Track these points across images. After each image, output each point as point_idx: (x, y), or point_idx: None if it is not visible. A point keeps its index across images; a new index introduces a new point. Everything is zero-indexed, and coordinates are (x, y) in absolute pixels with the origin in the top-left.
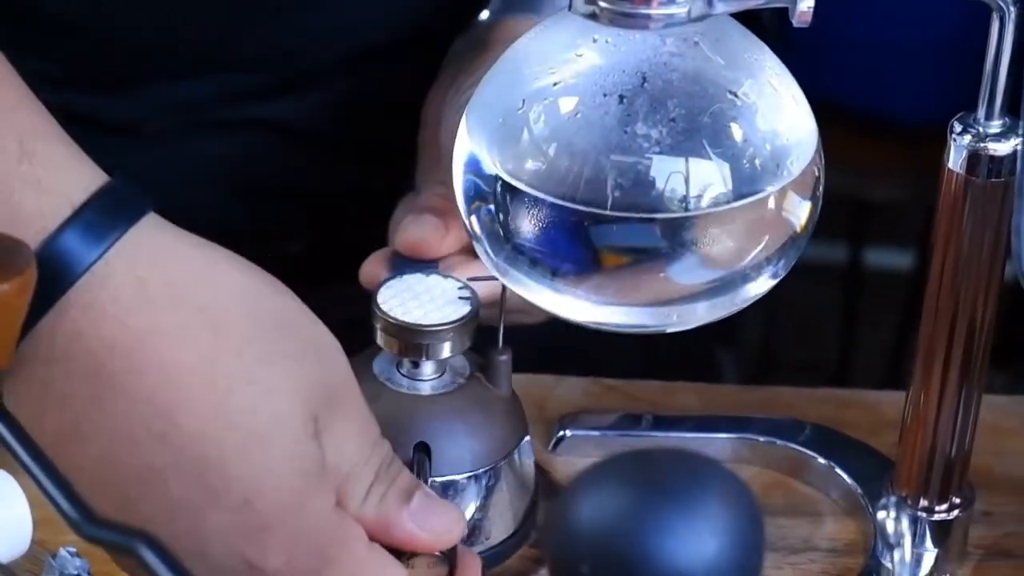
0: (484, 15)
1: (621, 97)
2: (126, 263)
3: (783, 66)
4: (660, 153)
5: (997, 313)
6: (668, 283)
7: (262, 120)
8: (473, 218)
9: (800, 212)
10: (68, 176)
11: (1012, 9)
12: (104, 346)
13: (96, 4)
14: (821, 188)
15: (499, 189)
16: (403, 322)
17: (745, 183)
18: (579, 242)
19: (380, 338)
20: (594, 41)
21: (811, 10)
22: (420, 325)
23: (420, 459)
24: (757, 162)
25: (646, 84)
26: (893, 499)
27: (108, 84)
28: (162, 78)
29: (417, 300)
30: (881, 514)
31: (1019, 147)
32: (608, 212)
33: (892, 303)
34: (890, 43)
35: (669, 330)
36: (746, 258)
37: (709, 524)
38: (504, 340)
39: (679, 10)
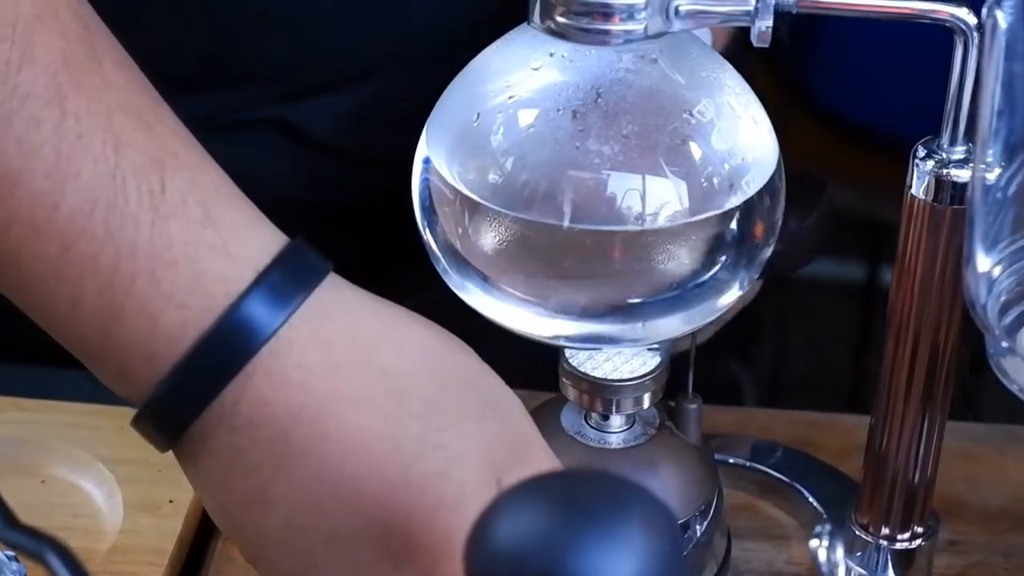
0: None
1: (574, 112)
2: (310, 327)
3: (745, 85)
4: (612, 169)
5: (966, 339)
6: (627, 297)
7: (276, 125)
8: (429, 231)
9: (758, 228)
10: (252, 240)
11: (975, 34)
12: (290, 413)
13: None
14: (781, 204)
15: (455, 202)
16: (592, 377)
17: (700, 200)
18: (534, 256)
19: (570, 393)
20: (551, 56)
21: (769, 30)
22: (610, 380)
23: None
24: (712, 180)
25: (600, 100)
26: (827, 528)
27: None
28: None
29: (605, 353)
30: (814, 543)
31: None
32: (563, 226)
33: None
34: (908, 63)
35: (638, 344)
36: (704, 273)
37: (625, 548)
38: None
39: (636, 26)
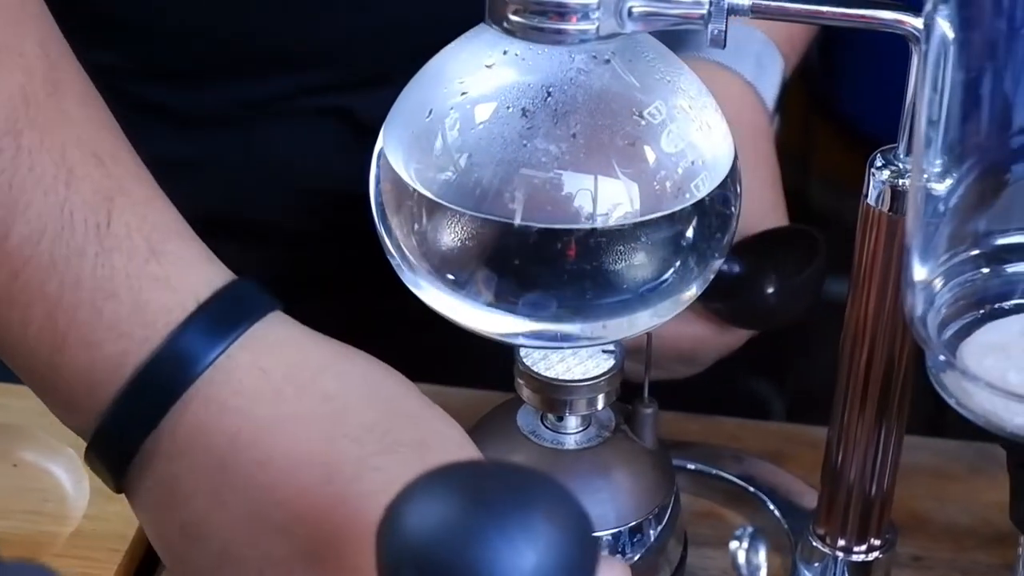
0: None
1: (524, 111)
2: (250, 355)
3: (702, 89)
4: (560, 168)
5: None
6: (582, 296)
7: (329, 112)
8: (383, 227)
9: (713, 230)
10: (195, 275)
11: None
12: (226, 439)
13: (165, 7)
14: (737, 207)
15: (408, 198)
16: (545, 377)
17: (651, 201)
18: (486, 254)
19: (524, 393)
20: (504, 54)
21: (722, 34)
22: (562, 380)
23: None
24: (663, 181)
25: (550, 99)
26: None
27: (177, 79)
28: (229, 74)
29: (559, 354)
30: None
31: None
32: (513, 224)
33: None
34: None
35: (596, 344)
36: (658, 275)
37: (530, 539)
38: (650, 391)
39: (589, 26)
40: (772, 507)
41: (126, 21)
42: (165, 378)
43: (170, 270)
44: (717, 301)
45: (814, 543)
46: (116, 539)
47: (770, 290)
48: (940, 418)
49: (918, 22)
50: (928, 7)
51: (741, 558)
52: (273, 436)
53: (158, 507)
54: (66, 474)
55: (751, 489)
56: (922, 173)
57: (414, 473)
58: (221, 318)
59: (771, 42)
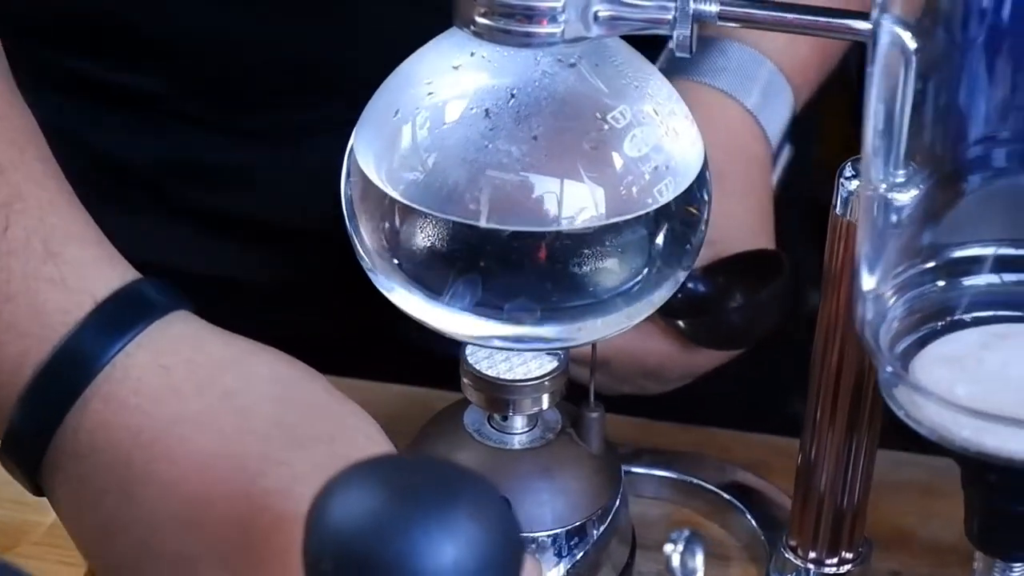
0: None
1: (487, 112)
2: (149, 353)
3: (673, 94)
4: (522, 170)
5: None
6: (550, 299)
7: None
8: (353, 230)
9: (680, 233)
10: (93, 275)
11: (915, 57)
12: (130, 436)
13: (218, 37)
14: (705, 213)
15: (376, 199)
16: (489, 377)
17: (614, 205)
18: (453, 255)
19: (468, 392)
20: (471, 56)
21: (687, 39)
22: (505, 380)
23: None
24: (625, 186)
25: (513, 101)
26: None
27: (234, 105)
28: (280, 99)
29: (504, 354)
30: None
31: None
32: (479, 225)
33: None
34: None
35: (576, 344)
36: (625, 278)
37: (450, 534)
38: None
39: (555, 30)
40: (749, 517)
41: (176, 49)
42: (64, 377)
43: (67, 271)
44: (681, 320)
45: (786, 554)
46: None
47: (731, 309)
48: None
49: (907, 35)
50: (874, 14)
51: (676, 561)
52: (175, 434)
53: (73, 506)
54: None
55: (727, 497)
56: (870, 183)
57: (323, 468)
58: (119, 316)
59: (780, 72)
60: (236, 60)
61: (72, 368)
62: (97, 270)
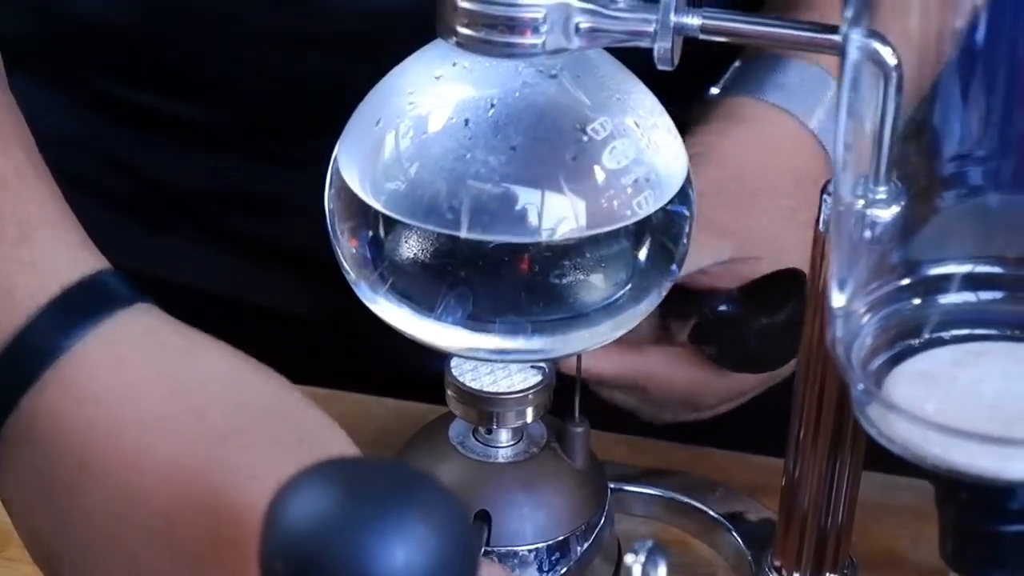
0: (714, 91)
1: (466, 122)
2: (107, 344)
3: (657, 107)
4: (501, 180)
5: None
6: (534, 311)
7: None
8: (335, 240)
9: (657, 247)
10: (64, 261)
11: (895, 73)
12: (84, 427)
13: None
14: (688, 226)
15: (358, 209)
16: (472, 389)
17: (588, 216)
18: (430, 264)
19: (452, 404)
20: (453, 66)
21: (668, 52)
22: (489, 393)
23: (478, 527)
24: (605, 198)
25: (492, 111)
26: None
27: (275, 133)
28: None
29: (489, 367)
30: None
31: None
32: (459, 236)
33: None
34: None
35: (560, 356)
36: (607, 290)
37: (401, 536)
38: (580, 410)
39: (536, 41)
40: (735, 536)
41: (223, 82)
42: (23, 361)
43: (39, 256)
44: (707, 344)
45: (771, 574)
46: None
47: (750, 331)
48: None
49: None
50: (843, 28)
51: (637, 572)
52: (130, 431)
53: (23, 497)
54: None
55: (715, 516)
56: (840, 199)
57: (281, 466)
58: (82, 304)
59: None
60: (279, 93)
61: (32, 353)
62: (68, 257)
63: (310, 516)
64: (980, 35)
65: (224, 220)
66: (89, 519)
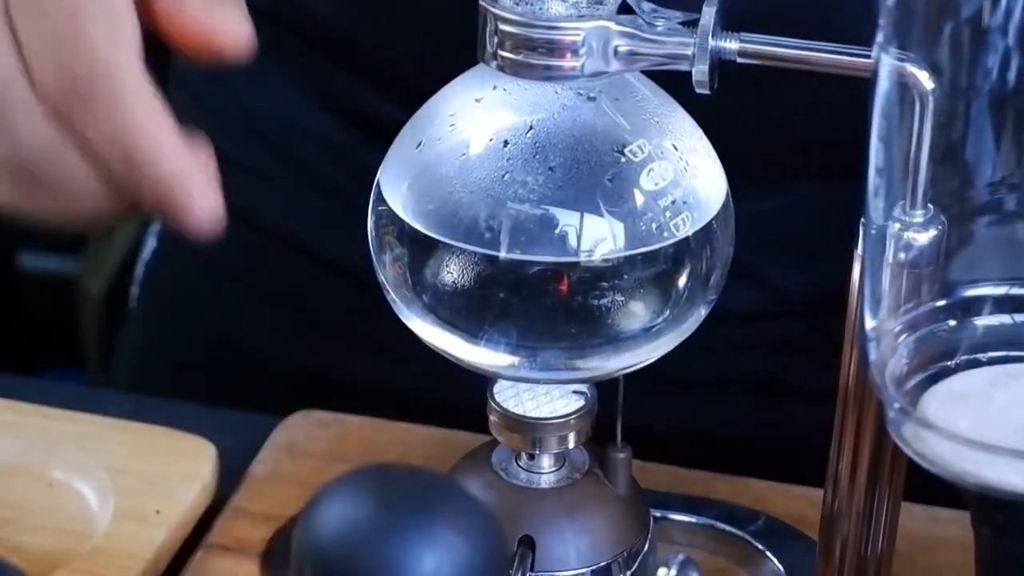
0: None
1: (505, 143)
2: None
3: (695, 131)
4: (537, 201)
5: None
6: (572, 333)
7: None
8: (378, 261)
9: (699, 269)
10: None
11: (931, 98)
12: None
13: None
14: (724, 251)
15: (399, 230)
16: (515, 414)
17: (626, 238)
18: (470, 285)
19: (494, 429)
20: (493, 89)
21: (707, 76)
22: (531, 418)
23: (523, 552)
24: (642, 219)
25: (531, 133)
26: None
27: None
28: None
29: (532, 392)
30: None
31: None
32: (497, 256)
33: None
34: None
35: (600, 377)
36: (645, 313)
37: (429, 544)
38: (622, 437)
39: (575, 63)
40: (779, 565)
41: None
42: None
43: None
44: None
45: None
46: (129, 558)
47: None
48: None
49: (919, 73)
50: (875, 51)
51: None
52: None
53: None
54: (94, 495)
55: (758, 546)
56: (872, 222)
57: None
58: None
59: None
60: None
61: None
62: None
63: (339, 524)
64: (1012, 72)
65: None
66: None
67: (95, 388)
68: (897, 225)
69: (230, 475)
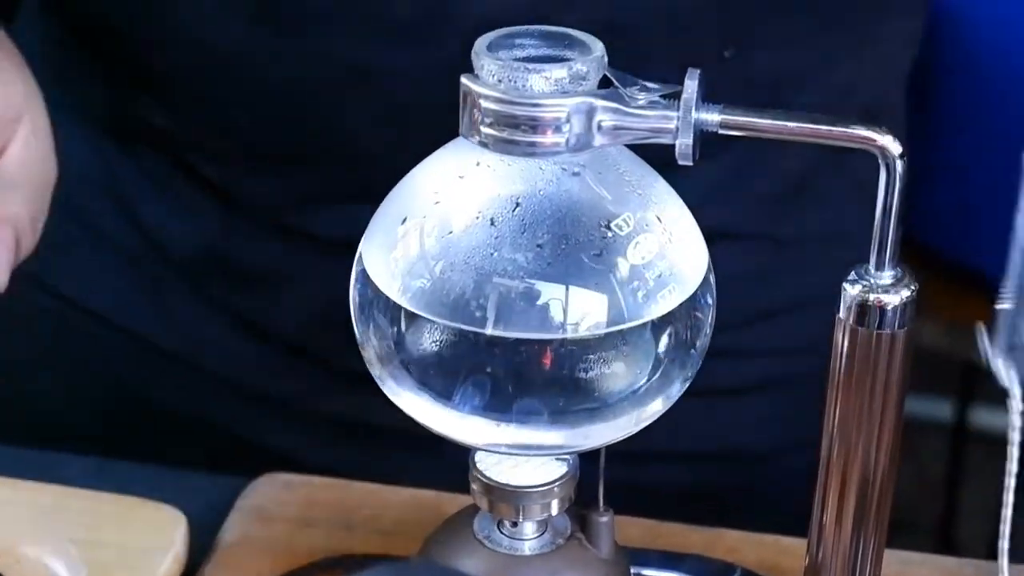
0: None
1: (492, 220)
2: None
3: (677, 202)
4: (527, 277)
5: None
6: (558, 405)
7: None
8: (361, 336)
9: (682, 340)
10: None
11: (899, 162)
12: None
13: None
14: (709, 318)
15: (383, 306)
16: (497, 482)
17: (612, 312)
18: (456, 361)
19: (476, 497)
20: (477, 165)
21: (690, 148)
22: (514, 486)
23: None
24: (631, 292)
25: (517, 210)
26: None
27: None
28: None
29: (513, 460)
30: None
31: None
32: (483, 332)
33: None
34: (1009, 204)
35: (583, 449)
36: (630, 383)
37: None
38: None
39: (559, 139)
40: None
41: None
42: None
43: None
44: None
45: None
46: None
47: None
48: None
49: (887, 140)
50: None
51: None
52: None
53: None
54: (65, 570)
55: None
56: None
57: None
58: None
59: None
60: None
61: None
62: None
63: None
64: None
65: (226, 293)
66: None
67: (58, 454)
68: None
69: (197, 540)
